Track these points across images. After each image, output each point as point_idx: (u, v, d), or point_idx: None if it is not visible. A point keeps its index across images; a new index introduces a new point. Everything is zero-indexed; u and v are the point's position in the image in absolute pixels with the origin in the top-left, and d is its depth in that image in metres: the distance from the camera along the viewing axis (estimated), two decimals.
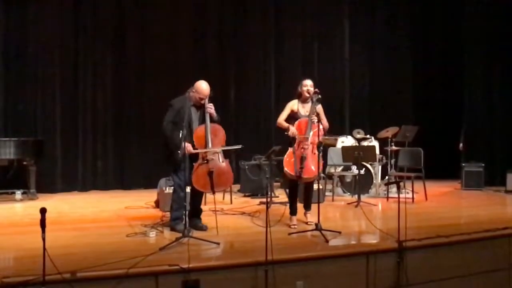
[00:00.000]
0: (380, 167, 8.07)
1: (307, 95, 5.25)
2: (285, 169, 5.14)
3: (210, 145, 4.83)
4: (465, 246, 4.66)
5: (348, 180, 7.84)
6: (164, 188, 6.19)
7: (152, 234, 4.72)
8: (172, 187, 5.11)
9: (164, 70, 8.79)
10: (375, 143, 7.99)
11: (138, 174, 8.68)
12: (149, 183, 7.99)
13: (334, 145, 8.06)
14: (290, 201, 5.42)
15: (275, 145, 7.36)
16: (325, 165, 7.46)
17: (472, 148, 9.21)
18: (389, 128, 8.01)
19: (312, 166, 5.10)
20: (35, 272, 3.25)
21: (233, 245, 4.51)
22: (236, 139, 8.84)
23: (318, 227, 4.73)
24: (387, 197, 7.30)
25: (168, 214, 5.26)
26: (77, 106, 8.44)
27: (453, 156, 9.56)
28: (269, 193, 6.07)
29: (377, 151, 7.78)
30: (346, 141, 8.16)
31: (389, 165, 8.04)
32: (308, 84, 5.28)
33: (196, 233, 4.62)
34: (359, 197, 6.82)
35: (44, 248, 3.10)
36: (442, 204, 7.15)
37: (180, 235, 4.39)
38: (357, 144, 7.99)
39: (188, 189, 4.96)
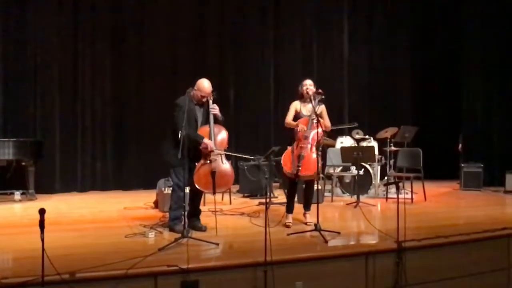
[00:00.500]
0: (379, 167, 8.08)
1: (307, 94, 5.26)
2: (283, 167, 5.17)
3: (213, 146, 4.85)
4: (464, 246, 4.66)
5: (347, 180, 7.85)
6: (163, 189, 6.19)
7: (151, 234, 4.71)
8: (171, 188, 5.11)
9: (164, 71, 8.80)
10: (374, 144, 7.99)
11: (137, 175, 8.68)
12: (148, 184, 7.98)
13: (333, 146, 8.06)
14: (288, 199, 5.44)
15: (274, 145, 7.37)
16: (324, 165, 7.47)
17: (471, 149, 9.22)
18: (388, 129, 8.01)
19: (310, 165, 5.11)
20: (34, 273, 3.25)
21: (232, 246, 4.50)
22: (236, 139, 8.86)
23: (317, 228, 4.73)
24: (386, 198, 7.30)
25: (167, 214, 5.25)
26: (76, 107, 8.44)
27: (452, 157, 9.58)
28: (268, 193, 6.07)
29: (376, 152, 7.77)
30: (345, 141, 8.16)
31: (388, 166, 8.04)
32: (307, 84, 5.30)
33: (195, 234, 4.62)
34: (358, 198, 6.83)
35: (43, 249, 3.10)
36: (441, 204, 7.15)
37: (179, 235, 4.39)
38: (356, 145, 7.99)
39: (187, 190, 4.97)
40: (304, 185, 5.55)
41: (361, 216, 5.59)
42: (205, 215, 5.35)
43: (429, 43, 10.41)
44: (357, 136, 8.26)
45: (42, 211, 3.12)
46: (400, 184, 7.07)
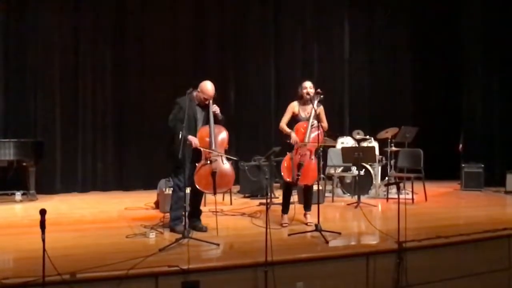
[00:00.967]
0: (379, 168, 8.07)
1: (307, 97, 5.26)
2: (282, 174, 5.17)
3: (213, 146, 4.85)
4: (464, 246, 4.66)
5: (348, 181, 7.84)
6: (163, 189, 6.19)
7: (152, 235, 4.72)
8: (172, 188, 5.11)
9: (164, 71, 8.79)
10: (374, 144, 7.99)
11: (138, 175, 8.67)
12: (149, 184, 7.98)
13: (334, 146, 8.06)
14: (284, 200, 5.45)
15: (275, 146, 7.36)
16: (325, 166, 7.48)
17: (471, 149, 9.22)
18: (389, 129, 8.01)
19: (308, 173, 5.11)
20: (34, 273, 3.25)
21: (233, 246, 4.50)
22: (236, 140, 8.86)
23: (318, 228, 4.73)
24: (387, 198, 7.30)
25: (168, 215, 5.26)
26: (77, 107, 8.44)
27: (452, 157, 9.57)
28: (268, 194, 6.07)
29: (377, 152, 7.78)
30: (346, 142, 8.16)
31: (388, 166, 8.04)
32: (307, 86, 5.29)
33: (195, 234, 4.62)
34: (359, 198, 6.82)
35: (44, 249, 3.10)
36: (442, 204, 7.15)
37: (180, 236, 4.40)
38: (356, 145, 7.99)
39: (187, 190, 4.97)
40: (303, 187, 5.55)
41: (362, 217, 5.59)
42: (205, 216, 5.36)
43: (429, 43, 10.39)
44: (358, 137, 8.26)
45: (43, 212, 3.12)
46: (401, 185, 7.09)
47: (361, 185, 7.32)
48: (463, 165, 8.79)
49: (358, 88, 10.26)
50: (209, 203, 6.12)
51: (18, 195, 7.25)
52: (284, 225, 5.26)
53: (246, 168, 7.77)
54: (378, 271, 4.23)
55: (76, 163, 8.39)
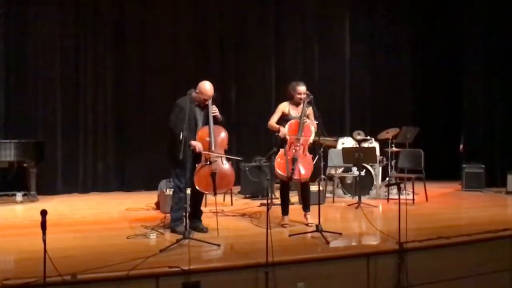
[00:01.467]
0: (380, 168, 8.06)
1: (300, 101, 5.30)
2: (277, 170, 5.18)
3: (213, 147, 4.85)
4: (465, 247, 4.66)
5: (349, 181, 7.84)
6: (164, 190, 6.19)
7: (153, 235, 4.71)
8: (172, 189, 5.11)
9: (165, 71, 8.79)
10: (375, 145, 7.98)
11: (139, 176, 8.67)
12: (150, 185, 7.97)
13: (335, 147, 8.06)
14: (282, 202, 5.46)
15: (275, 146, 7.35)
16: (325, 166, 7.47)
17: (472, 149, 9.21)
18: (390, 129, 8.00)
19: (303, 167, 5.13)
20: (35, 274, 3.25)
21: (234, 247, 4.50)
22: (237, 140, 8.86)
23: (318, 229, 4.73)
24: (388, 199, 7.30)
25: (168, 216, 5.26)
26: (78, 108, 8.44)
27: (453, 157, 9.57)
28: (269, 194, 6.07)
29: (378, 153, 7.77)
30: (347, 142, 8.16)
31: (389, 167, 8.03)
32: (302, 92, 5.32)
33: (196, 235, 4.62)
34: (359, 199, 6.82)
35: (45, 250, 3.10)
36: (443, 205, 7.14)
37: (180, 236, 4.40)
38: (357, 146, 7.99)
39: (188, 191, 4.97)
40: (300, 185, 5.56)
41: (363, 217, 5.58)
42: (206, 216, 5.35)
43: (430, 43, 10.39)
44: (359, 137, 8.25)
45: (43, 213, 3.12)
46: (402, 185, 7.08)
47: (362, 186, 7.32)
48: (464, 165, 8.78)
49: (359, 89, 10.25)
50: (210, 204, 6.12)
51: (19, 196, 7.25)
52: (284, 225, 5.28)
53: (247, 168, 7.76)
54: (379, 271, 4.23)
55: (77, 164, 8.39)
